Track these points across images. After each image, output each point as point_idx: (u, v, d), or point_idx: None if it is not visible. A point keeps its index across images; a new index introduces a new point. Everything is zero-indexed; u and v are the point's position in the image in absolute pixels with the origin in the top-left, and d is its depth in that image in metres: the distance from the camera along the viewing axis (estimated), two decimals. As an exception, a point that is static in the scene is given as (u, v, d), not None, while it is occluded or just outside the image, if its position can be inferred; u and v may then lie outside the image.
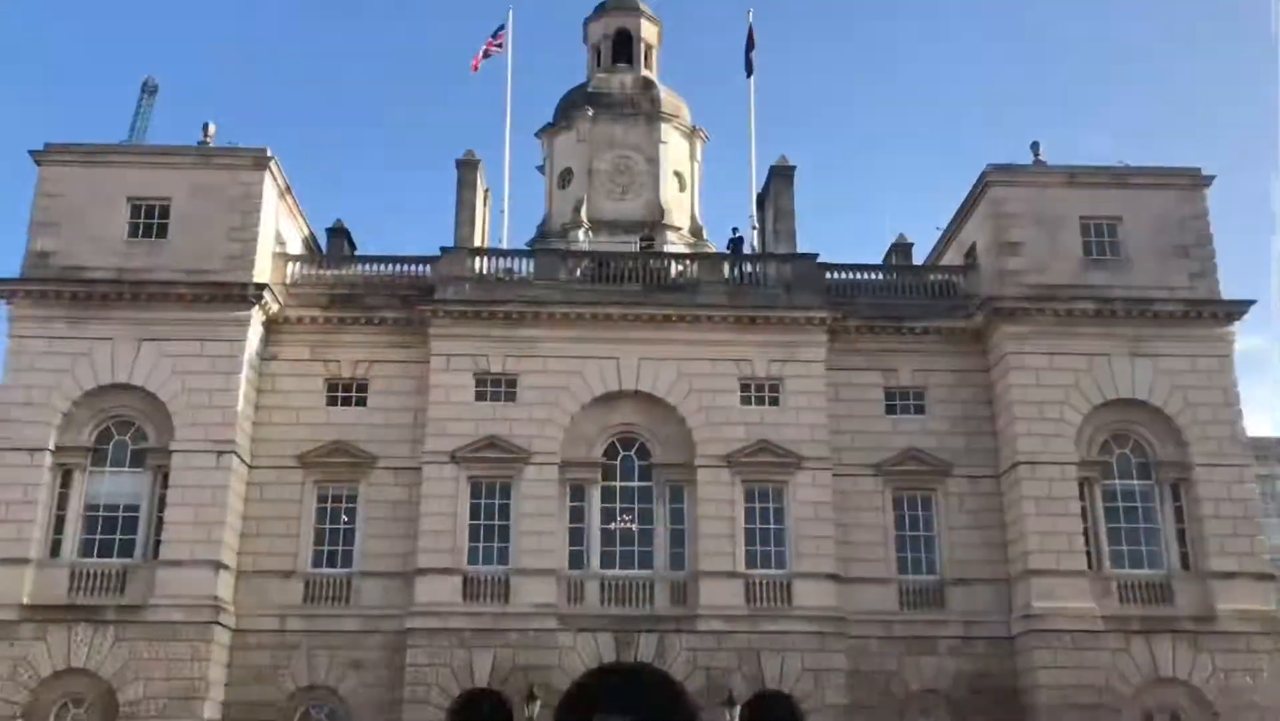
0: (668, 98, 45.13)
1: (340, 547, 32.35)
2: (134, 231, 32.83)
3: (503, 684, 30.51)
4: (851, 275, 35.57)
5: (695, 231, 43.66)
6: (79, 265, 32.15)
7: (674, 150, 44.23)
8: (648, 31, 46.84)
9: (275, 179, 34.09)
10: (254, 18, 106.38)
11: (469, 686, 30.49)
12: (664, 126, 43.96)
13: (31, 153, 33.11)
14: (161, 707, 28.86)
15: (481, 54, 41.24)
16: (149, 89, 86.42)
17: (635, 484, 33.16)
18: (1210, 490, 31.82)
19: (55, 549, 30.57)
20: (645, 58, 46.46)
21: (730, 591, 31.54)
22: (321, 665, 31.00)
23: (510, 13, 42.96)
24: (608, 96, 44.63)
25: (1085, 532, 31.64)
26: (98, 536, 30.99)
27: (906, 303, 34.90)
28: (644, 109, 44.34)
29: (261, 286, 32.17)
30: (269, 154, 33.50)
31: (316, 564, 32.17)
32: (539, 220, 44.62)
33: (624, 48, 46.17)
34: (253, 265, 32.51)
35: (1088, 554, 31.47)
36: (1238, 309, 33.10)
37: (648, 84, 45.46)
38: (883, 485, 33.20)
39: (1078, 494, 31.86)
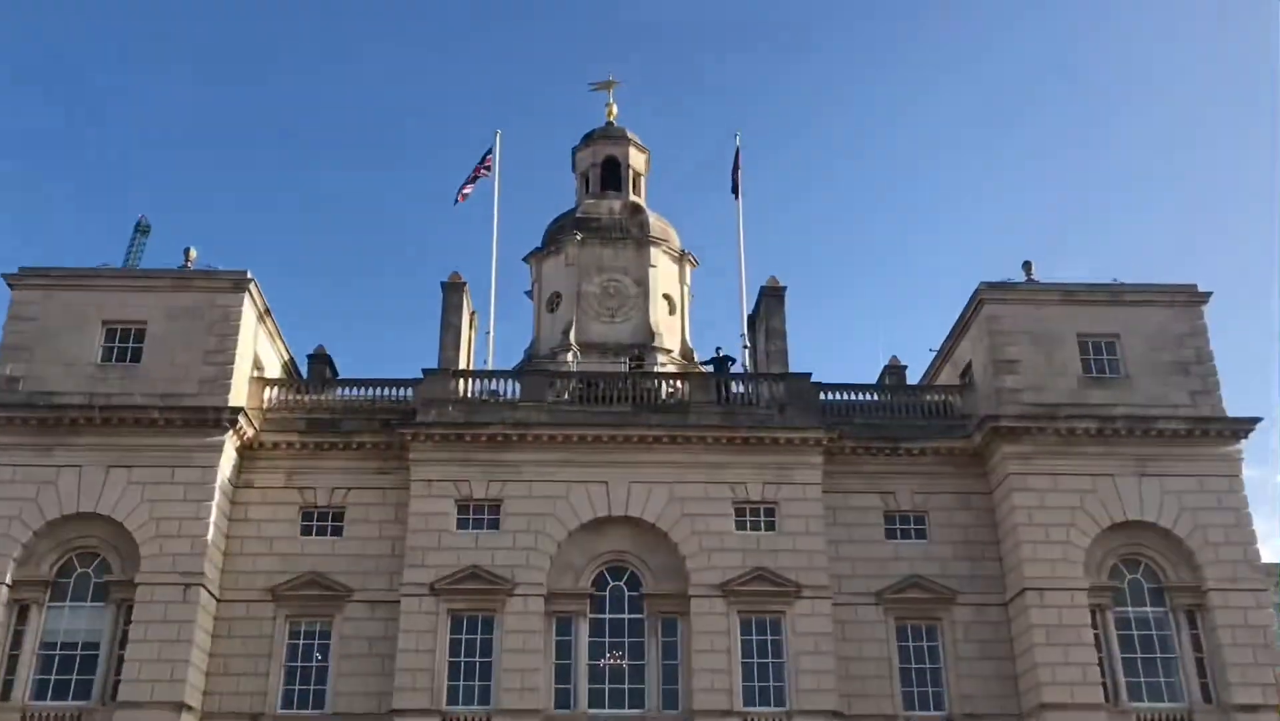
0: (656, 222, 44.98)
1: (312, 687, 30.51)
2: (107, 355, 31.96)
3: (483, 835, 28.35)
4: (846, 395, 34.66)
5: (686, 355, 42.95)
6: (49, 390, 31.10)
7: (663, 274, 43.84)
8: (635, 159, 47.06)
9: (254, 301, 33.37)
10: (244, 150, 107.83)
11: (447, 839, 28.32)
12: (653, 250, 43.66)
13: (4, 276, 32.42)
14: None
15: (470, 180, 41.13)
16: (142, 228, 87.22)
17: (625, 616, 31.54)
18: (1227, 616, 30.31)
19: (6, 690, 28.75)
20: (633, 184, 46.53)
21: (727, 731, 29.63)
22: (289, 816, 28.83)
23: (498, 135, 43.20)
24: (596, 221, 44.46)
25: (1100, 663, 29.99)
26: (53, 676, 29.20)
27: (903, 423, 33.93)
28: (633, 233, 44.12)
29: (237, 410, 31.09)
30: (249, 276, 32.85)
31: (286, 704, 30.27)
32: (526, 345, 43.95)
33: (612, 175, 46.28)
34: (228, 389, 31.49)
35: (1104, 686, 29.74)
36: (1243, 426, 32.11)
37: (636, 209, 45.38)
38: (885, 614, 31.63)
39: (1090, 621, 30.31)
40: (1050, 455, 31.77)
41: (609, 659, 30.90)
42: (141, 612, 29.20)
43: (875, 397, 35.04)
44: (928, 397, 35.27)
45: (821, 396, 34.13)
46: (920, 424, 33.96)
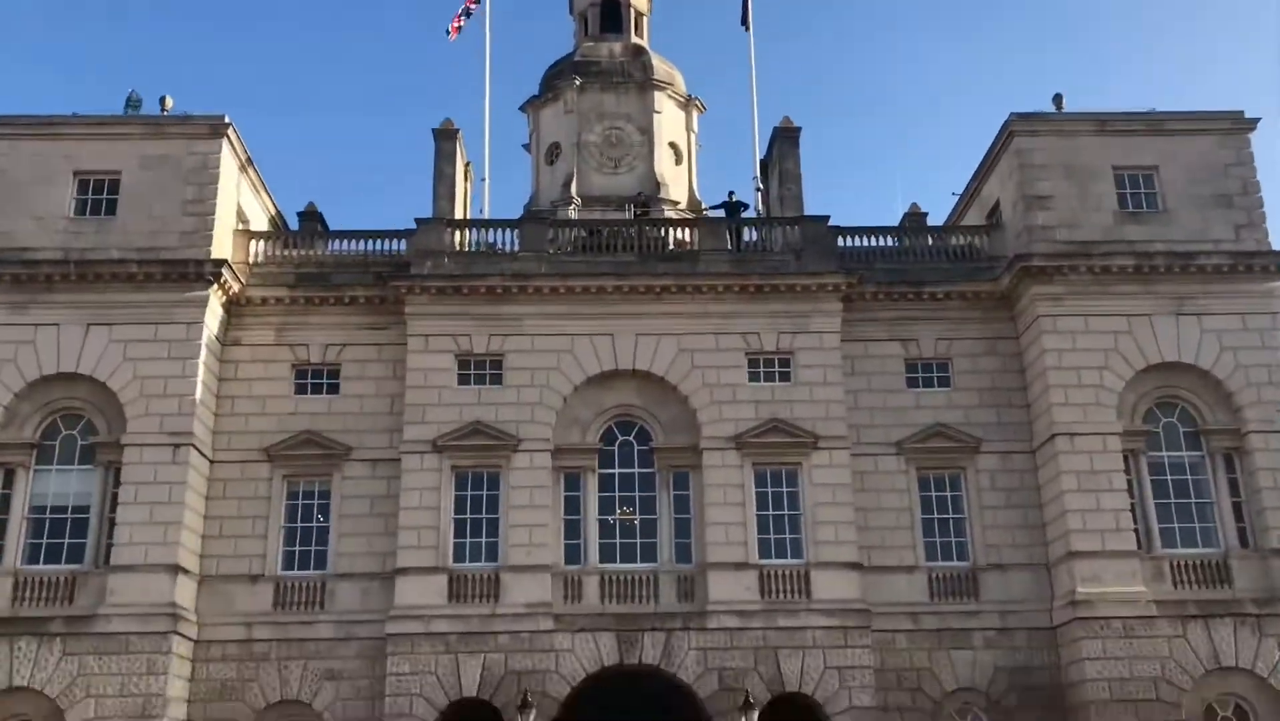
0: (660, 65, 42.34)
1: (313, 548, 29.50)
2: (80, 208, 30.12)
3: (494, 692, 27.59)
4: (865, 240, 32.77)
5: (694, 207, 40.80)
6: (20, 246, 29.36)
7: (669, 120, 41.38)
8: (637, -4, 44.11)
9: (235, 149, 31.33)
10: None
11: (457, 696, 27.55)
12: (657, 95, 41.14)
13: (-32, 126, 30.42)
14: (114, 728, 25.94)
15: (461, 12, 38.50)
16: (133, 103, 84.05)
17: (635, 471, 30.31)
18: (1267, 459, 28.92)
19: (-3, 555, 27.74)
20: (635, 25, 43.72)
21: (742, 584, 28.62)
22: (294, 677, 28.08)
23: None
24: (596, 65, 41.85)
25: (1132, 510, 28.74)
26: (44, 541, 28.13)
27: (926, 266, 32.10)
28: (635, 77, 41.53)
29: (220, 263, 29.37)
30: (226, 120, 30.76)
31: (287, 566, 29.31)
32: (525, 201, 41.77)
33: (612, 15, 43.39)
34: (210, 241, 29.70)
35: (1136, 533, 28.56)
36: (1290, 260, 30.20)
37: (639, 51, 42.69)
38: (906, 464, 30.31)
39: (1123, 467, 28.96)
40: (1083, 295, 30.00)
41: (619, 514, 29.79)
42: (130, 474, 28.02)
43: (896, 241, 33.08)
44: (953, 240, 33.31)
45: (840, 241, 32.29)
46: (944, 267, 32.14)
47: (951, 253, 32.73)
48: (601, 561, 29.25)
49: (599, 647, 28.15)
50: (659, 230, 33.00)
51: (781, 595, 28.58)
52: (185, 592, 27.80)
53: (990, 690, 28.45)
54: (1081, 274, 30.01)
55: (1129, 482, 29.00)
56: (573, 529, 29.60)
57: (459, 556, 28.95)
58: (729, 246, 31.96)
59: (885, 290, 31.27)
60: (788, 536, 29.36)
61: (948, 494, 30.32)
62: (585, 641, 28.14)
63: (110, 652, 26.48)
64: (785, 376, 30.44)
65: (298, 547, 29.49)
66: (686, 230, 32.77)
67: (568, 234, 32.45)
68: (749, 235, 33.01)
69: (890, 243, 32.99)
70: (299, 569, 29.27)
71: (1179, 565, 28.36)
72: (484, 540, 29.19)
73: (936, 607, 29.10)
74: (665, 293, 30.83)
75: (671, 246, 32.32)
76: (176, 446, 28.25)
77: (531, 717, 25.99)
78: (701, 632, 28.20)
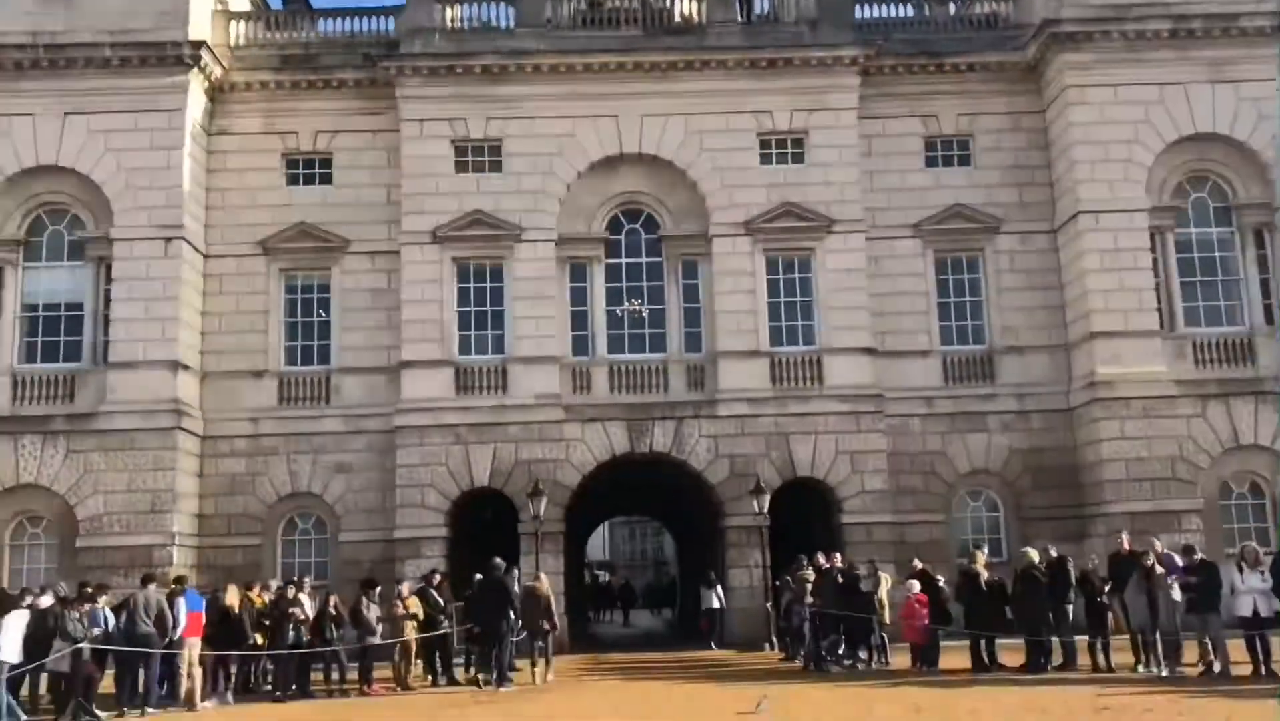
0: None
1: (315, 343, 28.87)
2: (46, -11, 28.17)
3: (505, 482, 27.48)
4: (884, 8, 30.68)
5: (700, -17, 38.34)
6: (-16, 30, 27.63)
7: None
8: None
9: (206, -80, 29.11)
10: None
11: (468, 486, 27.47)
12: None
13: (-89, -104, 28.13)
14: (126, 523, 25.95)
15: None
16: None
17: (643, 260, 29.35)
18: (1299, 234, 27.85)
19: (-6, 355, 27.20)
20: None
21: (753, 371, 28.08)
22: (303, 470, 27.96)
23: None
24: None
25: (1156, 289, 27.84)
26: (40, 339, 27.53)
27: (948, 37, 30.12)
28: None
29: (199, 45, 27.66)
30: (196, -114, 28.45)
31: (290, 361, 28.77)
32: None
33: None
34: (187, 21, 27.86)
35: (1159, 312, 27.75)
36: (1337, 23, 28.27)
37: None
38: (923, 247, 29.26)
39: (1148, 245, 27.91)
40: (1114, 64, 28.23)
41: (628, 307, 29.00)
42: (122, 270, 27.15)
43: (916, 10, 30.92)
44: (976, 7, 31.12)
45: (856, 11, 30.30)
46: (967, 37, 30.16)
47: (975, 21, 30.71)
48: (610, 353, 28.66)
49: (609, 437, 27.86)
50: (665, 2, 30.94)
51: (793, 382, 28.07)
52: (188, 389, 27.38)
53: (1005, 472, 28.27)
54: (1113, 39, 28.17)
55: (1154, 261, 28.00)
56: (579, 320, 28.89)
57: (464, 349, 28.36)
58: (739, 18, 30.02)
59: (904, 63, 29.50)
60: (800, 323, 28.63)
61: (965, 277, 29.39)
62: (595, 431, 27.84)
63: (115, 449, 26.23)
64: (799, 158, 29.08)
65: (300, 343, 28.89)
66: (694, 1, 30.73)
67: (567, 8, 30.39)
68: (760, 6, 31.00)
69: (910, 11, 30.90)
70: (302, 364, 28.74)
71: (1202, 344, 27.63)
72: (489, 333, 28.52)
73: (951, 391, 28.63)
74: (672, 70, 29.15)
75: (678, 20, 30.36)
76: (168, 240, 27.26)
77: (543, 504, 25.90)
78: (712, 420, 27.85)
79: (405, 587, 19.83)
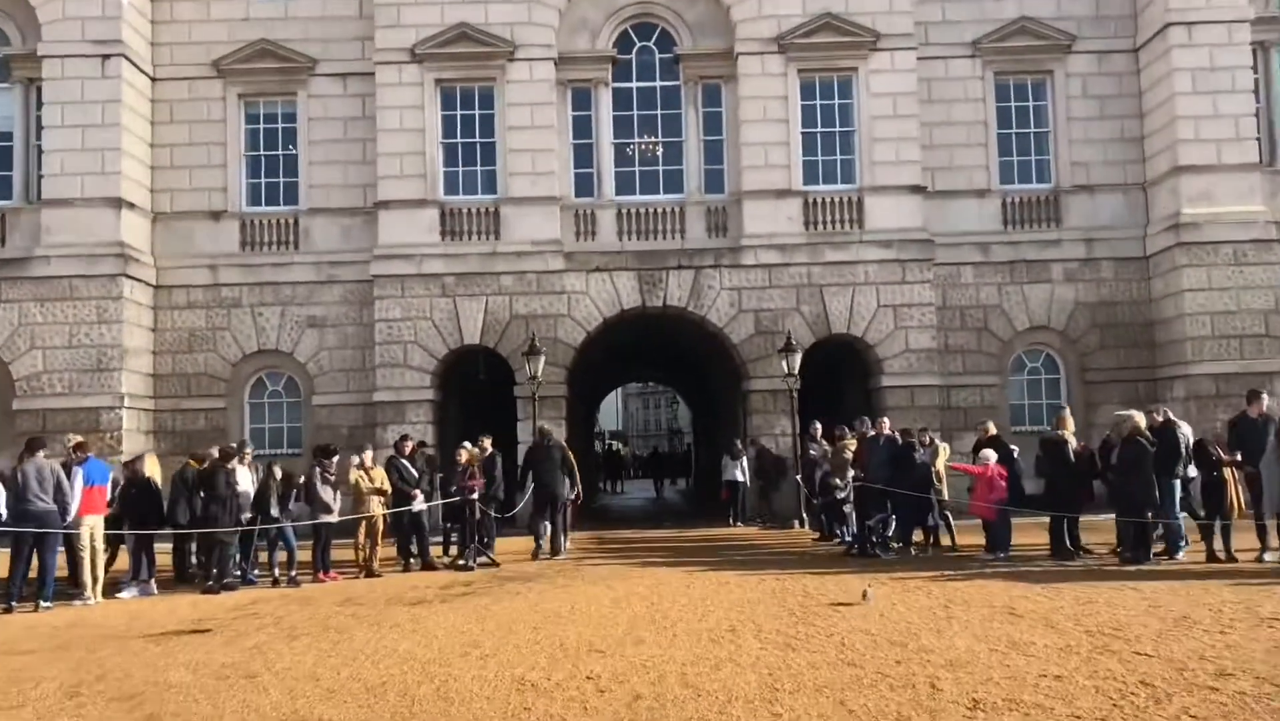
0: None
1: (281, 180, 25.33)
2: None
3: (499, 340, 24.17)
4: None
5: None
6: None
7: None
8: None
9: None
10: None
11: (456, 344, 24.18)
12: None
13: None
14: (69, 383, 22.81)
15: None
16: None
17: (657, 84, 25.42)
18: None
19: (-89, 190, 23.73)
20: None
21: (784, 214, 24.40)
22: (270, 325, 24.72)
23: None
24: None
25: (1256, 115, 23.89)
26: (-36, 172, 24.05)
27: None
28: None
29: None
30: None
31: (253, 201, 25.30)
32: None
33: None
34: None
35: (1258, 143, 23.84)
36: None
37: None
38: (982, 68, 25.25)
39: (1250, 63, 23.81)
40: None
41: (639, 141, 25.19)
42: (53, 92, 23.42)
43: None
44: None
45: None
46: None
47: None
48: (618, 193, 25.02)
49: (617, 289, 24.41)
50: None
51: (829, 226, 24.41)
52: (135, 231, 23.93)
53: (1068, 329, 24.81)
54: None
55: (1255, 83, 23.94)
56: (583, 155, 25.17)
57: (451, 188, 24.73)
58: None
59: None
60: (838, 158, 24.83)
61: (1030, 104, 25.44)
62: (601, 282, 24.37)
63: (53, 299, 22.98)
64: (838, -37, 24.84)
65: (264, 180, 25.34)
66: None
67: None
68: None
69: None
70: (267, 204, 25.24)
71: (1307, 180, 23.82)
72: (479, 169, 24.85)
73: (1011, 237, 24.97)
74: None
75: None
76: (105, 58, 23.45)
77: (540, 364, 22.59)
78: (735, 270, 24.32)
79: (368, 456, 16.66)
